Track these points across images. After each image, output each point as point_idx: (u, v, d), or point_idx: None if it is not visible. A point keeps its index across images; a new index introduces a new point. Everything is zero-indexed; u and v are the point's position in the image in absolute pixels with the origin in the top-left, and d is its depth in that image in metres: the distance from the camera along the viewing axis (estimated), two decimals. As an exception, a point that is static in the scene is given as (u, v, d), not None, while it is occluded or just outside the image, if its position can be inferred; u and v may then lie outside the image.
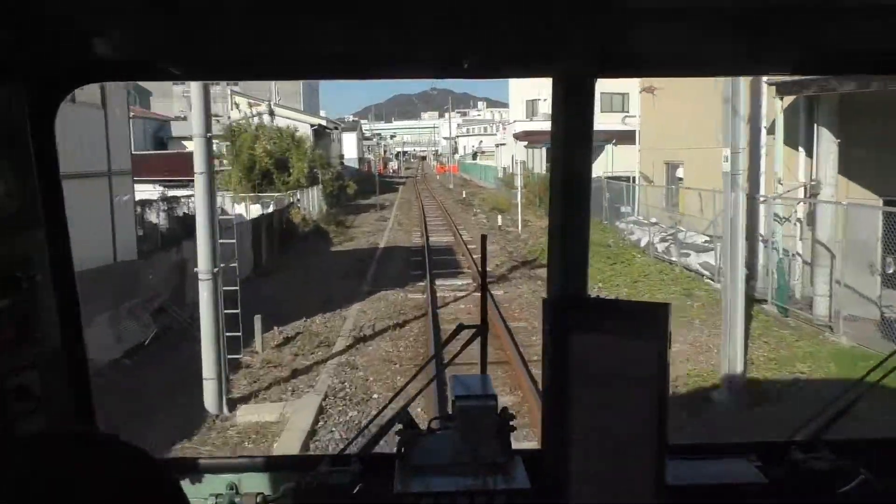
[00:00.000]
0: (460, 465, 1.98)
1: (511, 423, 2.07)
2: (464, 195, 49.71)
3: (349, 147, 71.55)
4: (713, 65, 2.27)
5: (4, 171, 1.71)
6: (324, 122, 48.87)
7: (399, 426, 2.08)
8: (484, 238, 2.27)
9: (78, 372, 2.02)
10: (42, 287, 1.79)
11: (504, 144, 57.19)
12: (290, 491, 2.04)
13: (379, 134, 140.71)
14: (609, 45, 1.93)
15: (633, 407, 1.81)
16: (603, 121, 26.40)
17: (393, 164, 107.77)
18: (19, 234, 1.74)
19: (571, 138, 1.99)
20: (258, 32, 1.81)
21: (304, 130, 38.80)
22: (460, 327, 2.23)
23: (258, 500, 2.08)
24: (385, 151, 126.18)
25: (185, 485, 2.13)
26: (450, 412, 2.15)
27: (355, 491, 1.98)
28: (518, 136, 45.39)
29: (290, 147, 35.45)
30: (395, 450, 2.05)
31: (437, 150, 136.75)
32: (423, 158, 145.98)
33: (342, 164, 57.34)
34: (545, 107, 40.79)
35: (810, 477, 2.02)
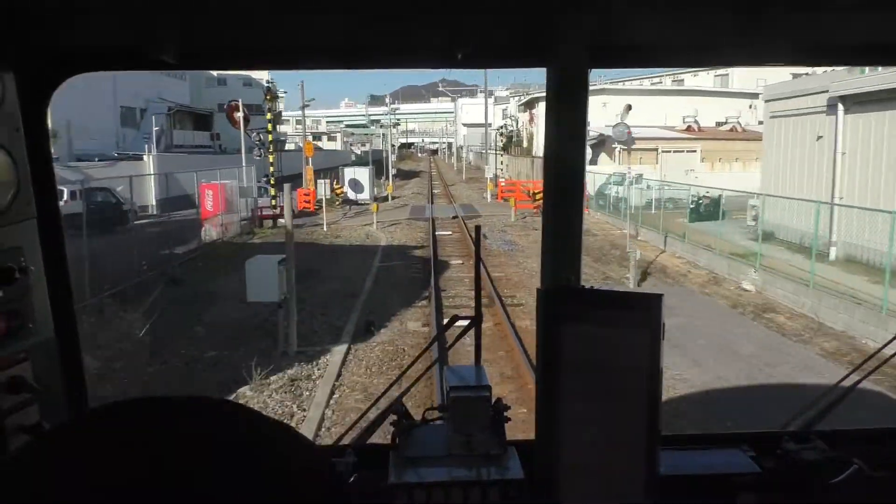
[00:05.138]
0: (454, 457, 1.98)
1: (505, 413, 2.07)
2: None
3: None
4: (709, 55, 2.25)
5: None
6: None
7: (393, 417, 2.08)
8: (478, 228, 2.27)
9: (72, 363, 2.02)
10: (35, 278, 1.79)
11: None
12: None
13: (377, 121, 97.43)
14: (603, 35, 1.92)
15: (626, 397, 1.81)
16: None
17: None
18: (12, 226, 1.73)
19: (565, 130, 1.98)
20: (252, 22, 1.79)
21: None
22: (454, 318, 2.23)
23: None
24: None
25: None
26: (444, 403, 2.15)
27: (350, 482, 1.98)
28: None
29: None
30: (389, 441, 2.06)
31: (454, 142, 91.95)
32: (435, 153, 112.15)
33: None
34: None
35: (803, 467, 2.02)
